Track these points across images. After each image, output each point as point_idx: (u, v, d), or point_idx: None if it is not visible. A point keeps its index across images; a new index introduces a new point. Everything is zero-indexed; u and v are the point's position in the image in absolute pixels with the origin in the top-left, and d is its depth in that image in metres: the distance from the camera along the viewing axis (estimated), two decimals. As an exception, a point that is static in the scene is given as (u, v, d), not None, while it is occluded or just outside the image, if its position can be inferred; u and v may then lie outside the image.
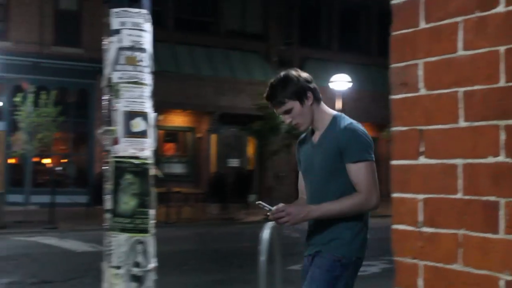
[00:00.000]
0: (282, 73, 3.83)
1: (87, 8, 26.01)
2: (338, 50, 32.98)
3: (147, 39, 3.81)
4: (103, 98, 3.77)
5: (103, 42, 3.78)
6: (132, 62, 3.75)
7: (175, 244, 13.56)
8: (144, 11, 3.79)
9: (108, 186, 3.70)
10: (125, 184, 3.69)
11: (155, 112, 3.84)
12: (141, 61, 3.77)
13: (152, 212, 3.74)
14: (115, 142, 3.69)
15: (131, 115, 3.71)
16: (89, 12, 25.40)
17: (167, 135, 29.41)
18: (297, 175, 4.17)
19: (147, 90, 3.78)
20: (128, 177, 3.70)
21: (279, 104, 3.74)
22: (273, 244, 4.24)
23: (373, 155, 3.66)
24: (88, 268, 10.02)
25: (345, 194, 3.62)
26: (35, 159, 24.46)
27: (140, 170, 3.72)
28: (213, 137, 29.80)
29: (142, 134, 3.74)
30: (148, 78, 3.79)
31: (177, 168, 29.75)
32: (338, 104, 25.23)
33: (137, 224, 3.70)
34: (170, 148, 30.18)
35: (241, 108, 28.09)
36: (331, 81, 25.69)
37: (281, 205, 3.64)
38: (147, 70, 3.80)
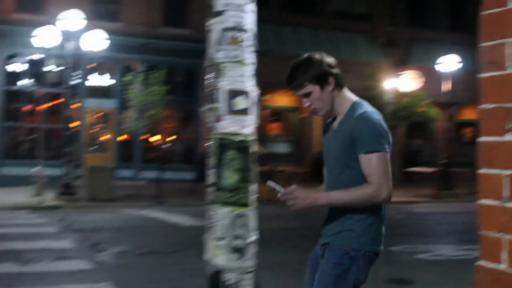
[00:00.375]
0: (305, 55, 3.69)
1: (195, -11, 26.39)
2: (447, 30, 32.02)
3: (250, 20, 3.89)
4: (206, 77, 3.91)
5: (207, 23, 3.91)
6: (235, 42, 3.85)
7: (278, 222, 13.63)
8: (248, -9, 3.89)
9: (211, 161, 3.83)
10: (227, 160, 3.81)
11: (259, 91, 3.95)
12: (244, 41, 3.86)
13: (253, 187, 3.85)
14: (218, 119, 3.81)
15: (233, 94, 3.82)
16: (197, -7, 25.73)
17: (272, 115, 29.55)
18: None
19: (250, 69, 3.88)
20: (230, 153, 3.81)
21: (299, 86, 3.64)
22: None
23: (386, 146, 3.48)
24: (193, 241, 10.23)
25: (356, 185, 3.49)
26: (144, 136, 25.00)
27: (241, 147, 3.82)
28: (317, 117, 29.74)
29: (244, 112, 3.83)
30: (250, 58, 3.88)
31: (281, 148, 29.83)
32: (446, 85, 24.63)
33: (238, 198, 3.80)
34: (274, 128, 30.30)
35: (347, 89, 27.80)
36: (439, 62, 25.04)
37: (292, 187, 3.53)
38: (250, 50, 3.88)
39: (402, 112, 24.70)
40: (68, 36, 19.99)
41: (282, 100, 29.12)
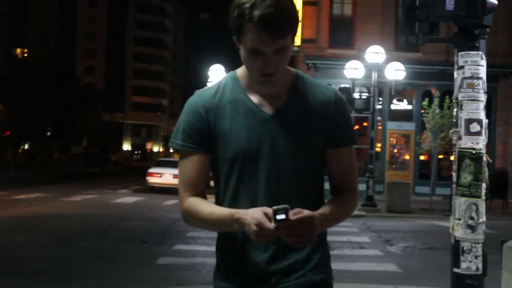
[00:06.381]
0: None
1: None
2: None
3: (482, 71, 5.82)
4: (454, 110, 5.86)
5: (454, 73, 5.89)
6: (471, 86, 5.80)
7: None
8: (480, 52, 5.83)
9: (453, 166, 5.79)
10: (464, 166, 5.71)
11: (487, 118, 5.82)
12: (478, 85, 5.80)
13: (483, 185, 5.69)
14: (459, 138, 5.77)
15: (470, 121, 5.75)
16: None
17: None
18: None
19: (482, 104, 5.77)
20: (467, 161, 5.70)
21: (284, 34, 2.12)
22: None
23: None
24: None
25: (320, 195, 2.37)
26: (440, 156, 26.13)
27: (475, 157, 5.69)
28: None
29: (477, 134, 5.71)
30: (482, 97, 5.77)
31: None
32: None
33: (472, 192, 5.61)
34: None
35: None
36: None
37: (304, 211, 2.04)
38: (482, 91, 5.80)
39: None
40: (372, 67, 22.38)
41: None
